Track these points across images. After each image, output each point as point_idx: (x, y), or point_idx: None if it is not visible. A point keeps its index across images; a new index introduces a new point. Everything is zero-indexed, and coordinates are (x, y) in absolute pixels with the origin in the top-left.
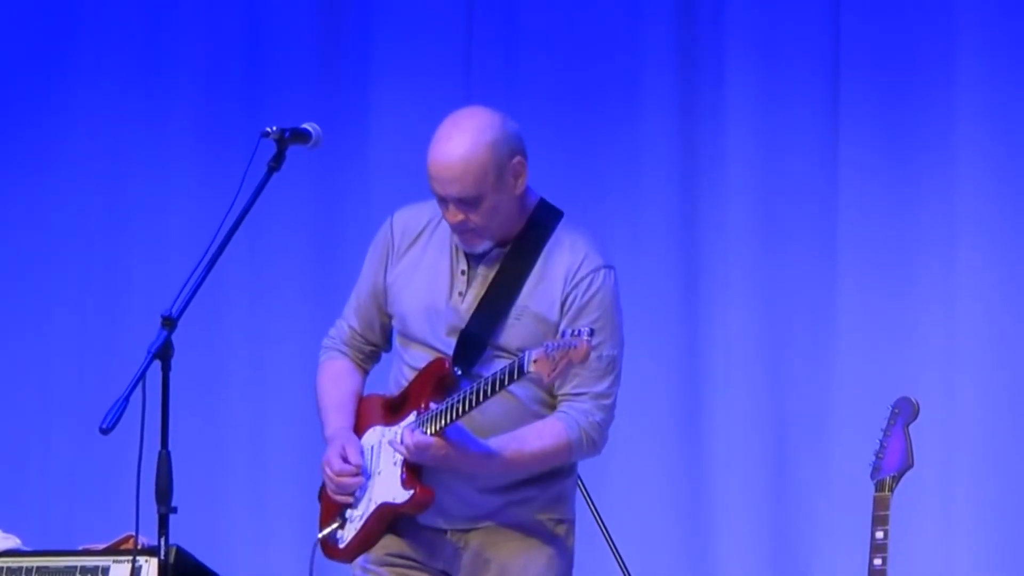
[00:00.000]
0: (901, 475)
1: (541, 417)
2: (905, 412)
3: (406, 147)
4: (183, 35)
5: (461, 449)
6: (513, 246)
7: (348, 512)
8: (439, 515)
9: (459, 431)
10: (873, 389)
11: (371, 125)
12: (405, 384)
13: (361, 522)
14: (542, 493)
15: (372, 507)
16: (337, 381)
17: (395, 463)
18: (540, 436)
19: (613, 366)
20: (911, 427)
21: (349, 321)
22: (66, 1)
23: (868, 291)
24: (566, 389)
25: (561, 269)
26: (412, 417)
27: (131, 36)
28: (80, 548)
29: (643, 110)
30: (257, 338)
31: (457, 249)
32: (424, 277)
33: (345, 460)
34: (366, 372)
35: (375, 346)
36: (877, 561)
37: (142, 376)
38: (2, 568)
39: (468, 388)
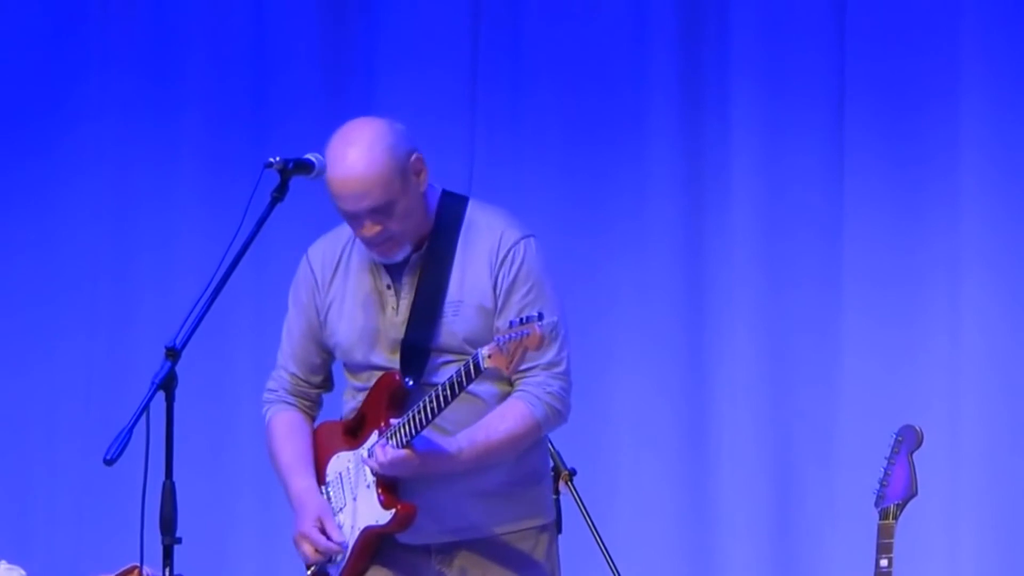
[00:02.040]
0: (905, 503)
1: None
2: (909, 440)
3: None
4: (188, 67)
5: (433, 455)
6: (428, 245)
7: (330, 546)
8: (422, 531)
9: (424, 439)
10: (877, 417)
11: None
12: (358, 406)
13: (347, 551)
14: (522, 491)
15: (356, 534)
16: (290, 436)
17: (368, 485)
18: (504, 419)
19: (556, 332)
20: (915, 455)
21: (288, 368)
22: (72, 34)
23: (873, 319)
24: (529, 384)
25: (483, 251)
26: (375, 436)
27: (137, 68)
28: None
29: (648, 136)
30: (263, 369)
31: (376, 268)
32: (353, 304)
33: (328, 538)
34: (313, 420)
35: (319, 388)
36: None
37: (146, 407)
38: None
39: (428, 396)
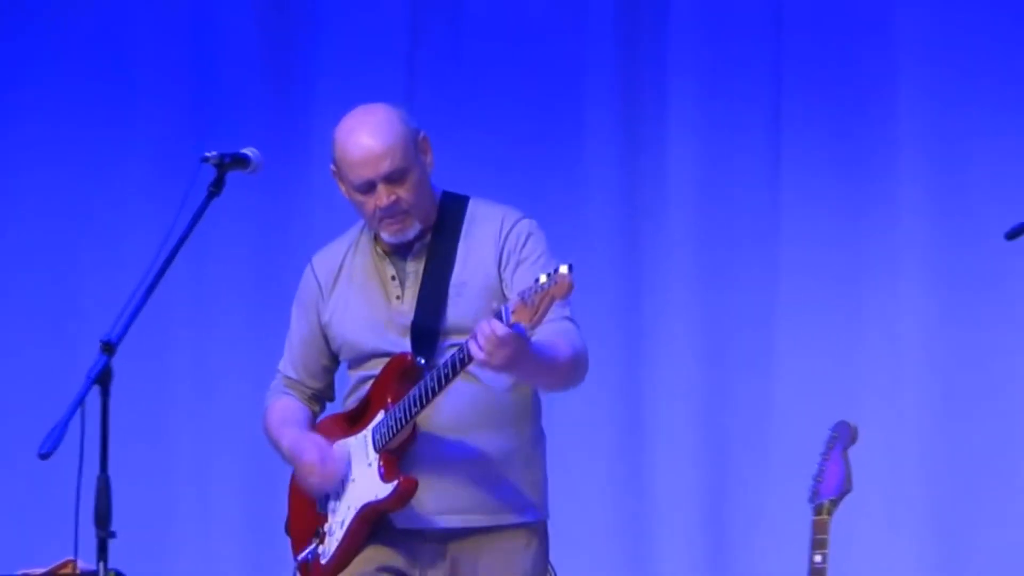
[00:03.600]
0: (840, 499)
1: (507, 402)
2: (844, 436)
3: None
4: (130, 65)
5: (524, 342)
6: (433, 234)
7: (326, 527)
8: (419, 513)
9: (521, 328)
10: (812, 413)
11: (314, 151)
12: (362, 396)
13: (343, 530)
14: (519, 482)
15: (353, 513)
16: (285, 412)
17: (369, 464)
18: (562, 345)
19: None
20: (850, 451)
21: (286, 372)
22: (16, 30)
23: (809, 316)
24: (543, 320)
25: (488, 236)
26: (380, 415)
27: (80, 66)
28: (19, 573)
29: (585, 135)
30: (201, 363)
31: (381, 260)
32: (359, 299)
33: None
34: (314, 412)
35: (316, 391)
36: None
37: (81, 401)
38: None
39: (453, 353)
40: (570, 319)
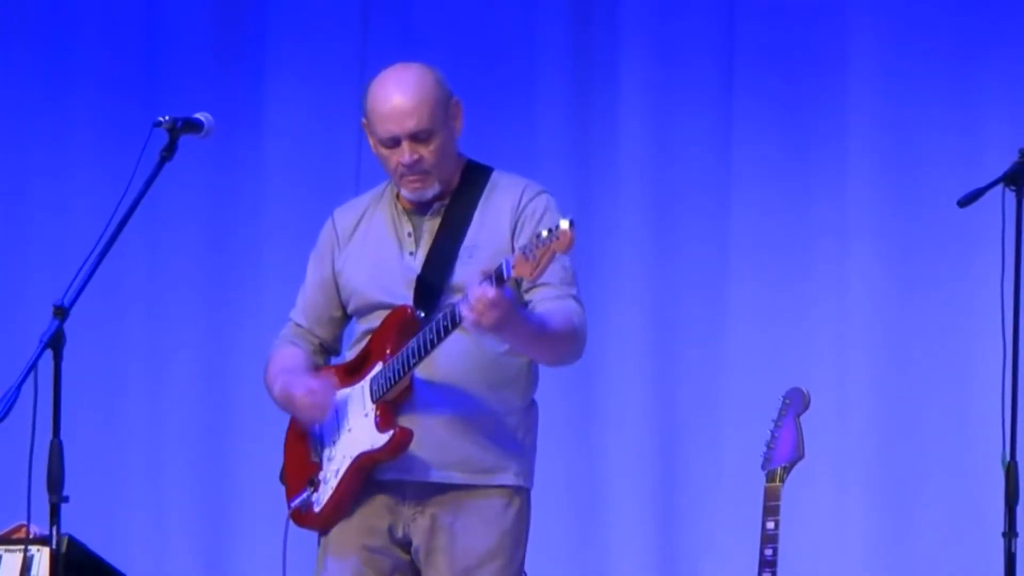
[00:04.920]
0: (792, 466)
1: (505, 364)
2: (796, 403)
3: (300, 142)
4: (80, 32)
5: (514, 307)
6: (453, 196)
7: (320, 475)
8: (408, 464)
9: (511, 292)
10: (764, 380)
11: (264, 117)
12: (364, 345)
13: (337, 479)
14: (507, 447)
15: (348, 461)
16: (286, 360)
17: (366, 414)
18: (553, 317)
19: (574, 275)
20: (802, 418)
21: (296, 319)
22: None
23: (759, 284)
24: (547, 295)
25: (506, 204)
26: (378, 367)
27: (30, 33)
28: None
29: (538, 107)
30: (153, 328)
31: (399, 216)
32: (373, 250)
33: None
34: (317, 365)
35: (323, 340)
36: (767, 551)
37: (34, 365)
38: None
39: (445, 311)
40: (575, 297)
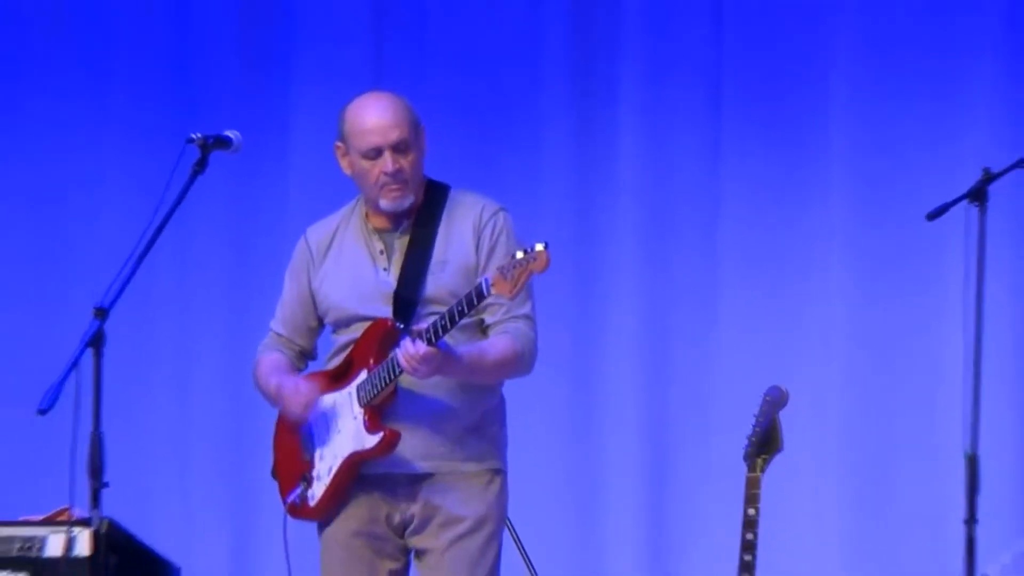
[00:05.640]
0: (771, 457)
1: None
2: (776, 400)
3: (322, 155)
4: (116, 52)
5: (448, 356)
6: (417, 215)
7: (313, 472)
8: (397, 460)
9: (442, 343)
10: (749, 380)
11: (289, 135)
12: (345, 354)
13: (330, 476)
14: (481, 438)
15: (339, 461)
16: (273, 365)
17: (355, 417)
18: (494, 347)
19: (529, 291)
20: (781, 413)
21: (276, 329)
22: (10, 20)
23: (745, 291)
24: (498, 317)
25: (467, 221)
26: (363, 375)
27: (69, 54)
28: (19, 519)
29: (540, 127)
30: (183, 327)
31: (369, 234)
32: (348, 268)
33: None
34: (298, 369)
35: (302, 348)
36: (749, 536)
37: (76, 362)
38: None
39: (438, 316)
40: (526, 316)
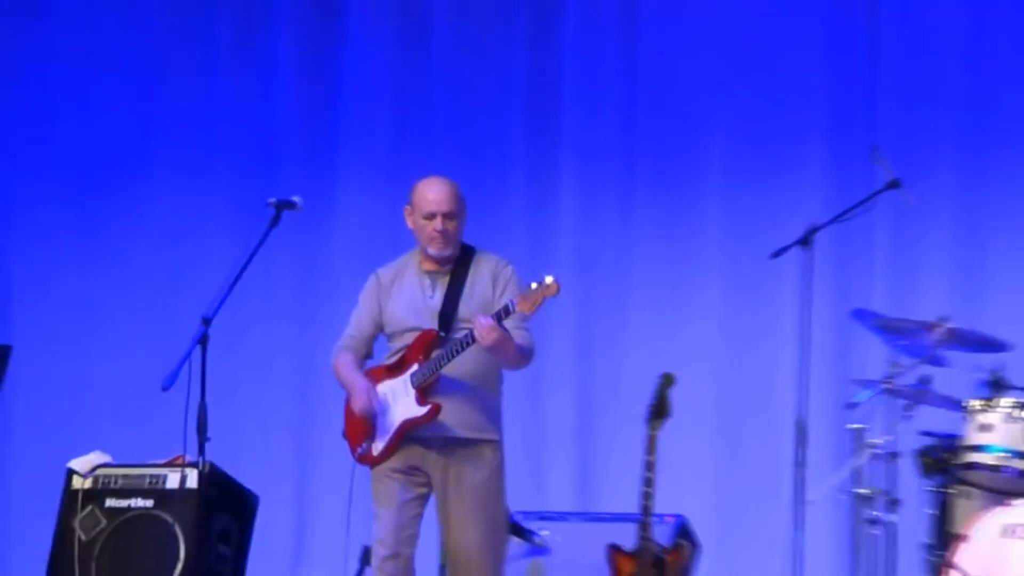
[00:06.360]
0: (663, 422)
1: (490, 367)
2: (667, 381)
3: (368, 214)
4: (211, 141)
5: (505, 331)
6: (455, 264)
7: (376, 434)
8: (437, 427)
9: (504, 326)
10: (651, 367)
11: (336, 201)
12: (401, 352)
13: (389, 435)
14: (492, 417)
15: (396, 424)
16: (350, 364)
17: (407, 395)
18: (519, 340)
19: (526, 316)
20: (671, 391)
21: (351, 333)
22: (140, 120)
23: (650, 304)
24: (514, 324)
25: (487, 271)
26: (415, 367)
27: (180, 142)
28: (148, 463)
29: (505, 200)
30: (264, 332)
31: (421, 274)
32: (408, 294)
33: (370, 401)
34: (362, 364)
35: (367, 350)
36: (648, 475)
37: (189, 355)
38: (101, 474)
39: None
40: (527, 329)
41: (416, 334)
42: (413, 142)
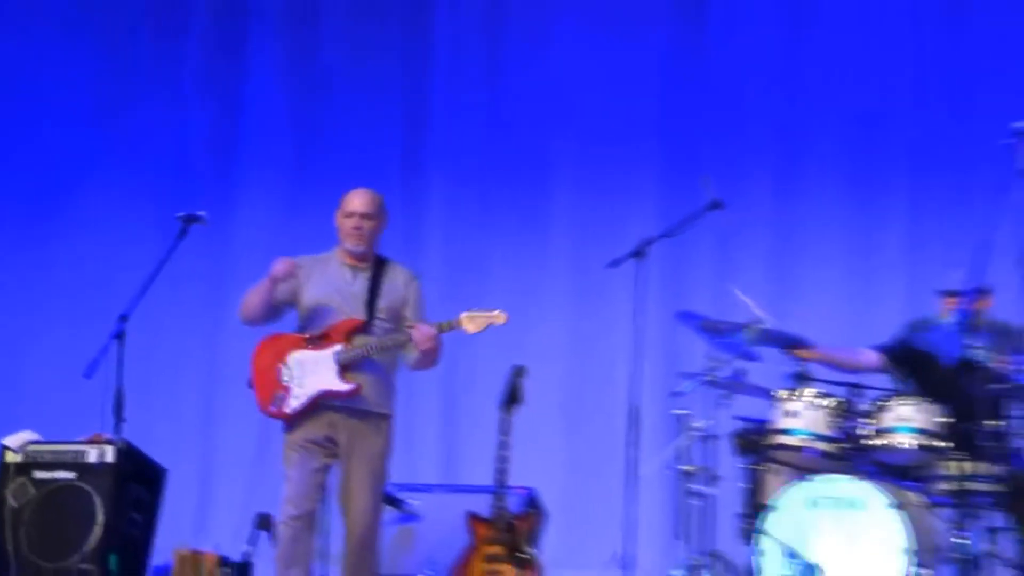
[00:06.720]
0: (517, 407)
1: (393, 359)
2: (520, 372)
3: (267, 226)
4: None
5: (440, 339)
6: (372, 264)
7: (291, 392)
8: (354, 400)
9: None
10: (505, 360)
11: (238, 216)
12: (322, 329)
13: (305, 398)
14: (389, 385)
15: (313, 390)
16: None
17: (330, 368)
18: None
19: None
20: (523, 380)
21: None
22: (71, 146)
23: (510, 309)
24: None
25: (400, 278)
26: (339, 346)
27: (105, 165)
28: (71, 440)
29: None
30: (173, 326)
31: (344, 266)
32: (330, 277)
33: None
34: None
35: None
36: (504, 453)
37: (107, 348)
38: (31, 450)
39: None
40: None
41: (339, 316)
42: (308, 163)
